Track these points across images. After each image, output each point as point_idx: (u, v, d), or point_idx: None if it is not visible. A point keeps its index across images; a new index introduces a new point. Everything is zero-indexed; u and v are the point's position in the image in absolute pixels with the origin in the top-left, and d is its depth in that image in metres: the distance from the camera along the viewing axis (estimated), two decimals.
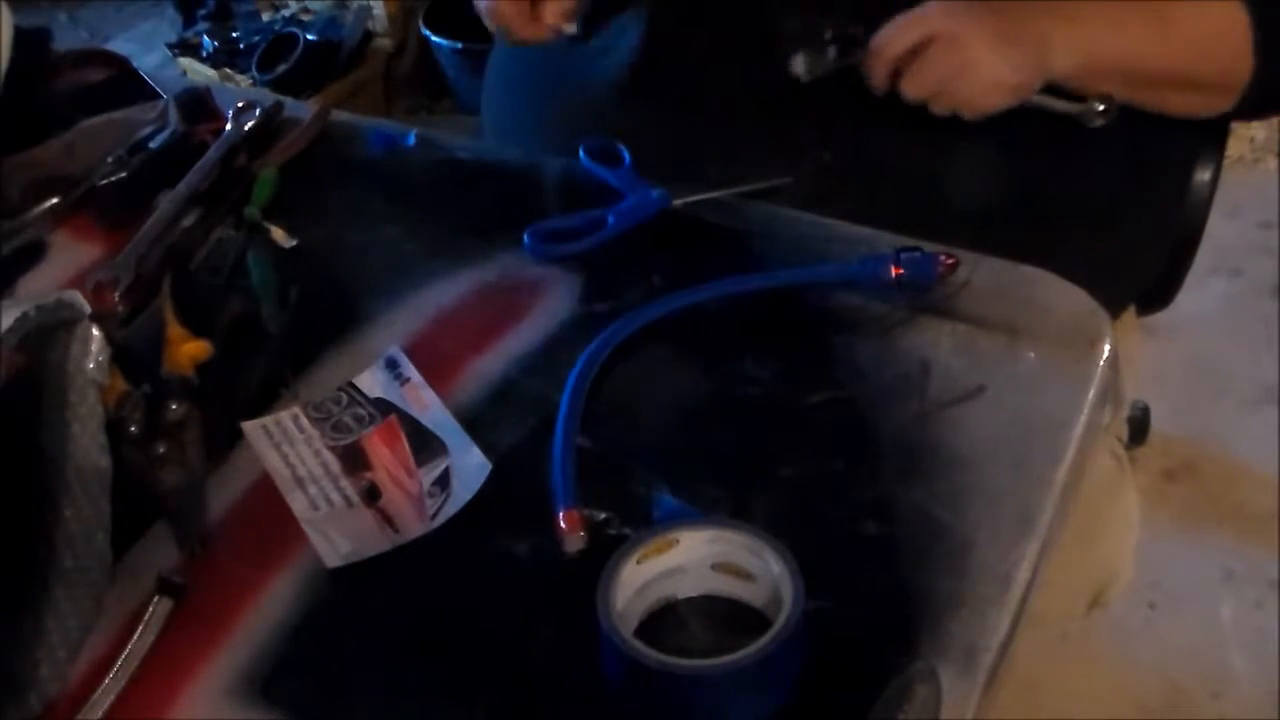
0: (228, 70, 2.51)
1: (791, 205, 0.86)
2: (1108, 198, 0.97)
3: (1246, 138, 2.19)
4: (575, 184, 0.89)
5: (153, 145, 0.96)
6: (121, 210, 0.92)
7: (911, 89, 0.86)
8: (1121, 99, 0.89)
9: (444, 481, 0.70)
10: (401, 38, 2.52)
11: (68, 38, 2.79)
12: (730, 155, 0.94)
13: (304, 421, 0.74)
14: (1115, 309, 1.00)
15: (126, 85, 1.08)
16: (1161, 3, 0.88)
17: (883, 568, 0.62)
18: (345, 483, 0.71)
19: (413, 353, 0.78)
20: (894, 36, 0.85)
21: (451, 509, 0.68)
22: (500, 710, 0.59)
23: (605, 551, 0.60)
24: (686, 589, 0.62)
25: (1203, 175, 1.01)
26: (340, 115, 1.01)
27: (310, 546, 0.68)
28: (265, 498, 0.71)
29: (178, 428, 0.71)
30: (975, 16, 0.85)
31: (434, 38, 2.33)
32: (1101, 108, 0.88)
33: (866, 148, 0.93)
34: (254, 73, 2.44)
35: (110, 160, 0.95)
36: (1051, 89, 0.88)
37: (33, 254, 0.92)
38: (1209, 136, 1.01)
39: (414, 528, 0.68)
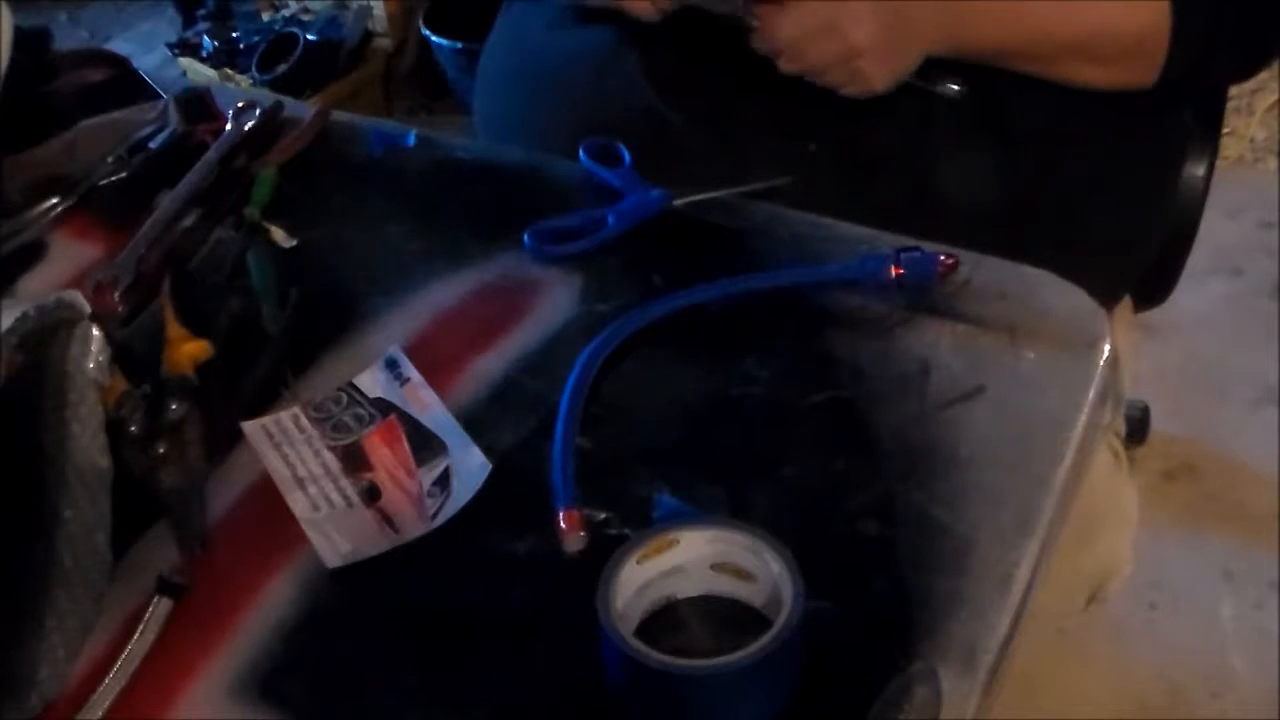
0: (228, 70, 2.52)
1: (780, 197, 0.86)
2: (1098, 189, 0.97)
3: (1246, 138, 2.19)
4: (575, 184, 0.89)
5: (153, 145, 0.96)
6: (121, 210, 0.92)
7: (788, 67, 0.87)
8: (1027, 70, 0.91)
9: (444, 481, 0.70)
10: (401, 38, 2.52)
11: (68, 38, 2.79)
12: (717, 147, 0.94)
13: (304, 421, 0.74)
14: (1108, 301, 1.00)
15: (126, 85, 1.08)
16: None
17: (883, 568, 0.62)
18: (345, 483, 0.71)
19: (413, 353, 0.77)
20: (783, 23, 0.86)
21: (451, 509, 0.68)
22: (500, 710, 0.59)
23: (605, 551, 0.60)
24: (686, 589, 0.62)
25: (1195, 169, 1.01)
26: (340, 115, 1.00)
27: (310, 546, 0.68)
28: (265, 498, 0.71)
29: (178, 428, 0.71)
30: (869, 17, 0.85)
31: (434, 38, 2.33)
32: (955, 88, 0.90)
33: (852, 139, 0.93)
34: (254, 73, 2.44)
35: (110, 160, 0.95)
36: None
37: (33, 254, 0.92)
38: (1202, 130, 1.02)
39: (414, 528, 0.68)
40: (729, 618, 0.61)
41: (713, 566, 0.61)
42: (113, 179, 0.94)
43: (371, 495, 0.70)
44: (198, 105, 1.00)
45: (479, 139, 1.13)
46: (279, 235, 0.88)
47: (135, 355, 0.76)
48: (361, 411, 0.75)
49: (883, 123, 0.92)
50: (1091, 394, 0.69)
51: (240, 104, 0.98)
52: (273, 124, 0.98)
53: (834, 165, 0.93)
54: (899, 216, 0.81)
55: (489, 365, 0.76)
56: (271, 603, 0.65)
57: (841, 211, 0.83)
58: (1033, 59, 0.91)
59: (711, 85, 0.96)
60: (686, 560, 0.61)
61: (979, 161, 0.93)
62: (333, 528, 0.68)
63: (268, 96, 1.01)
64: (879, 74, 0.86)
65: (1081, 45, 0.90)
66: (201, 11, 2.69)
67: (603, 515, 0.66)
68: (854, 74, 0.87)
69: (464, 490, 0.69)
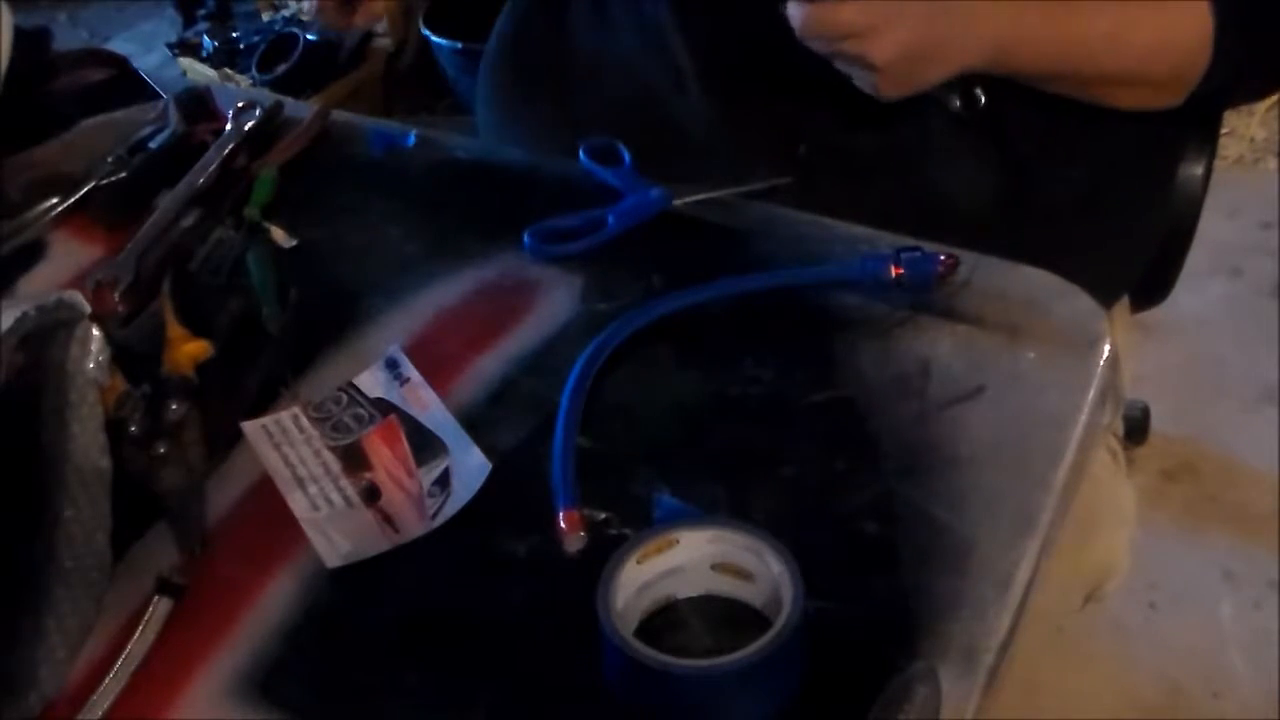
0: (228, 70, 2.51)
1: (780, 197, 0.85)
2: (1096, 189, 0.97)
3: (1246, 138, 2.19)
4: (575, 184, 0.89)
5: (153, 145, 0.96)
6: (121, 210, 0.92)
7: (817, 49, 0.83)
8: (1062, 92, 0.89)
9: (444, 481, 0.70)
10: (401, 38, 2.51)
11: (68, 38, 2.80)
12: (716, 149, 0.94)
13: (304, 421, 0.74)
14: (1107, 301, 1.00)
15: (126, 85, 1.08)
16: (1124, 3, 0.85)
17: (883, 568, 0.62)
18: (345, 483, 0.71)
19: (413, 353, 0.78)
20: (827, 22, 0.81)
21: (451, 509, 0.68)
22: (500, 710, 0.59)
23: (605, 551, 0.60)
24: (686, 589, 0.62)
25: (1193, 169, 1.01)
26: (340, 115, 1.01)
27: (310, 546, 0.68)
28: (265, 498, 0.71)
29: (178, 428, 0.71)
30: (897, 37, 0.81)
31: (434, 38, 2.32)
32: (959, 102, 0.88)
33: (844, 142, 0.93)
34: (254, 73, 2.44)
35: (110, 160, 0.95)
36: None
37: (33, 254, 0.92)
38: (1200, 131, 1.01)
39: (414, 528, 0.68)
40: (729, 618, 0.61)
41: (713, 566, 0.61)
42: (113, 179, 0.94)
43: (371, 495, 0.70)
44: (198, 105, 1.00)
45: (479, 139, 1.13)
46: (279, 235, 0.88)
47: (135, 355, 0.76)
48: (361, 411, 0.75)
49: (875, 126, 0.92)
50: (1091, 394, 0.69)
51: (240, 104, 0.98)
52: (273, 124, 0.98)
53: (825, 168, 0.93)
54: (895, 218, 0.81)
55: (489, 365, 0.76)
56: (271, 603, 0.65)
57: (836, 214, 0.82)
58: (1074, 85, 0.89)
59: (711, 88, 0.96)
60: (686, 560, 0.61)
61: (975, 163, 0.93)
62: (333, 528, 0.68)
63: (268, 96, 1.01)
64: (888, 90, 0.84)
65: (1126, 75, 0.89)
66: (201, 11, 2.69)
67: (603, 515, 0.66)
68: (864, 80, 0.85)
69: (464, 490, 0.69)
